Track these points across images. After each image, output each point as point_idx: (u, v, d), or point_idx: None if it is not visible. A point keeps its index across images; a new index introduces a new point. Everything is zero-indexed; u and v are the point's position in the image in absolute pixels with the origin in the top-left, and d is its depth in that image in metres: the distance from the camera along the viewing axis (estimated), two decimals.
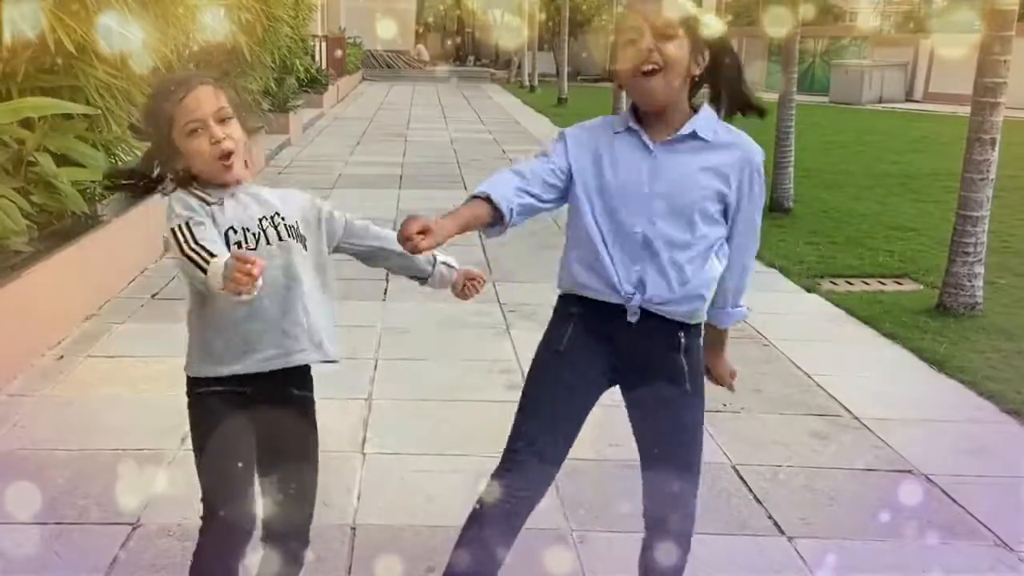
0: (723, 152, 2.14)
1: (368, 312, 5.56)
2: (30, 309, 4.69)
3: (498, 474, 2.21)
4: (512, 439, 2.23)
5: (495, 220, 2.06)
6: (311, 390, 2.32)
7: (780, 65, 9.50)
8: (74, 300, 5.21)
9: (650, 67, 2.05)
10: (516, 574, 2.94)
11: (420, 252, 1.92)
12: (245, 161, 2.16)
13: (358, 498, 3.40)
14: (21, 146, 5.01)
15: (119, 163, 5.96)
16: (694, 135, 2.12)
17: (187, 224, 2.00)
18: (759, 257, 8.02)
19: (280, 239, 2.16)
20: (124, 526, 3.16)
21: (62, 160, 5.24)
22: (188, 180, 2.12)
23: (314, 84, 19.33)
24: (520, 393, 2.29)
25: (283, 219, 2.17)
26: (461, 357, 4.75)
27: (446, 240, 1.95)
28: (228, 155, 2.09)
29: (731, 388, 2.51)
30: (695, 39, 2.09)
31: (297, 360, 2.19)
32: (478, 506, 2.21)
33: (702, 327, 2.27)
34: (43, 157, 5.05)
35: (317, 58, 21.65)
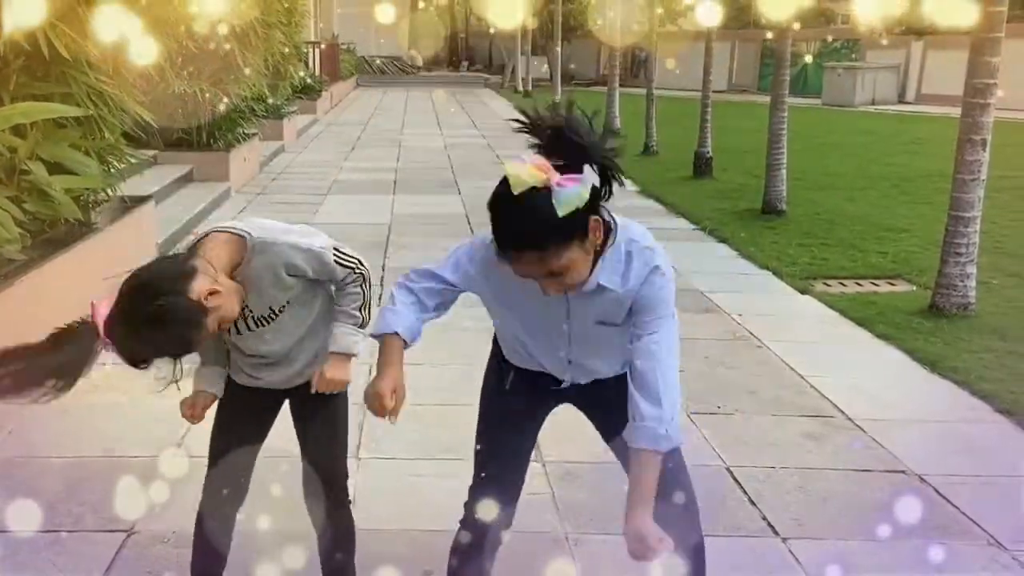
0: (630, 296, 2.07)
1: None
2: (23, 317, 4.68)
3: (465, 524, 2.33)
4: (472, 488, 2.34)
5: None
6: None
7: (772, 68, 9.52)
8: (67, 308, 5.19)
9: (559, 291, 2.01)
10: None
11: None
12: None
13: (354, 503, 3.39)
14: (13, 154, 5.00)
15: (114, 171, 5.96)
16: (599, 287, 2.05)
17: None
18: (753, 259, 8.05)
19: (250, 329, 2.29)
20: (119, 533, 3.16)
21: (55, 168, 5.24)
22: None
23: (308, 90, 19.34)
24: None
25: (251, 312, 2.27)
26: (457, 361, 4.76)
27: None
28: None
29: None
30: (583, 234, 1.92)
31: (296, 384, 2.40)
32: (454, 545, 2.36)
33: None
34: (36, 165, 5.04)
35: (311, 64, 21.65)
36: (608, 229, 2.01)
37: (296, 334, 2.33)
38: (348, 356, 2.31)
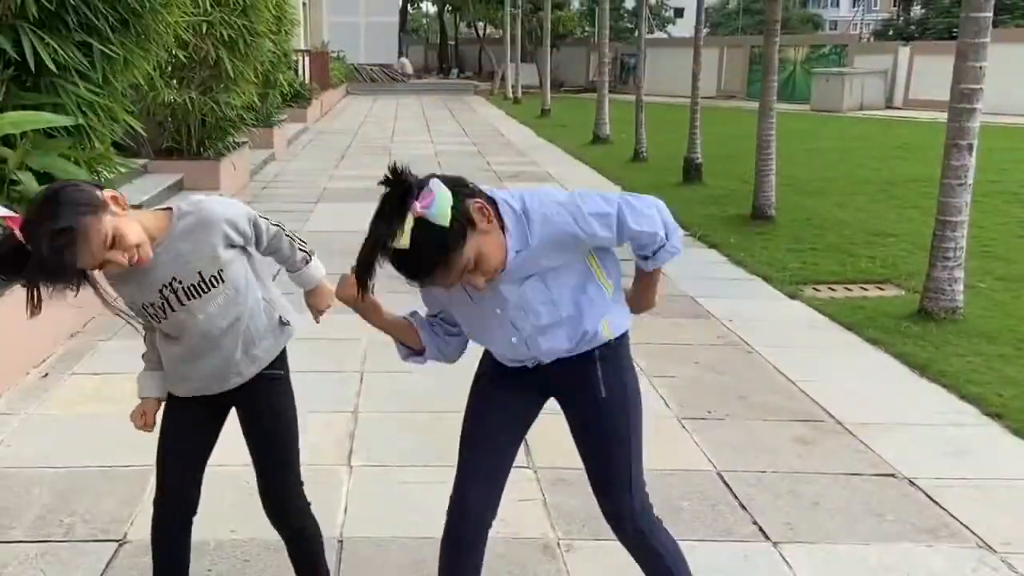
0: (542, 246, 2.12)
1: (354, 325, 5.54)
2: (14, 327, 4.67)
3: (449, 523, 2.36)
4: (455, 483, 2.37)
5: (420, 351, 2.37)
6: (279, 368, 2.45)
7: (761, 74, 9.57)
8: (59, 317, 5.19)
9: (490, 280, 2.09)
10: None
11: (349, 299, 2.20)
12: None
13: (345, 511, 3.41)
14: (3, 164, 5.00)
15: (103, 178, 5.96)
16: (517, 254, 2.11)
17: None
18: (743, 265, 8.06)
19: (182, 303, 2.26)
20: (110, 543, 3.15)
21: (45, 178, 5.23)
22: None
23: (298, 98, 19.34)
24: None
25: (180, 283, 2.24)
26: (447, 368, 4.77)
27: (369, 313, 2.29)
28: (133, 263, 2.14)
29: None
30: (472, 224, 2.01)
31: (234, 384, 2.38)
32: (441, 542, 2.38)
33: (624, 333, 2.32)
34: (25, 175, 5.04)
35: (300, 72, 21.65)
36: (493, 203, 2.09)
37: (226, 315, 2.29)
38: (320, 282, 2.49)
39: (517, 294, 2.16)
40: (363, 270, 2.01)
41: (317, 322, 2.58)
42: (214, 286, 2.26)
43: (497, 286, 2.15)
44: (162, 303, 2.25)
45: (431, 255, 1.97)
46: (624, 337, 2.31)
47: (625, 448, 2.31)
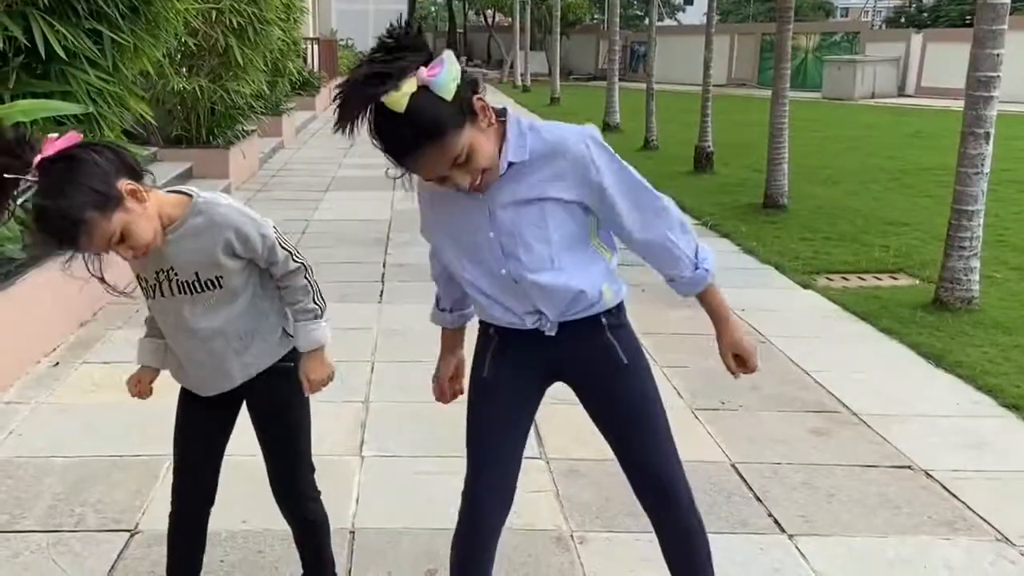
0: (544, 166, 2.03)
1: (364, 314, 5.55)
2: (25, 316, 4.67)
3: (461, 517, 2.30)
4: (467, 477, 2.30)
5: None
6: (289, 360, 2.37)
7: (772, 62, 9.49)
8: (69, 306, 5.18)
9: (476, 181, 1.99)
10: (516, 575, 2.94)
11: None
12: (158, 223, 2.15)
13: (357, 501, 3.39)
14: None
15: None
16: (510, 165, 2.03)
17: None
18: (755, 254, 8.02)
19: (172, 294, 2.22)
20: (122, 533, 3.14)
21: None
22: None
23: (307, 87, 19.30)
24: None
25: (176, 275, 2.21)
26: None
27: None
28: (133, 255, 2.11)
29: (731, 371, 2.26)
30: (473, 115, 1.92)
31: (224, 388, 2.34)
32: (453, 536, 2.33)
33: (621, 302, 2.23)
34: None
35: (309, 60, 21.60)
36: (502, 112, 2.03)
37: (214, 319, 2.23)
38: (320, 349, 2.31)
39: (511, 218, 2.05)
40: (343, 117, 1.87)
41: (306, 395, 2.37)
42: (208, 289, 2.21)
43: (493, 208, 2.05)
44: (155, 284, 2.22)
45: (427, 128, 1.84)
46: (623, 304, 2.24)
47: (659, 407, 2.24)
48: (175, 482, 2.48)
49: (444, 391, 2.49)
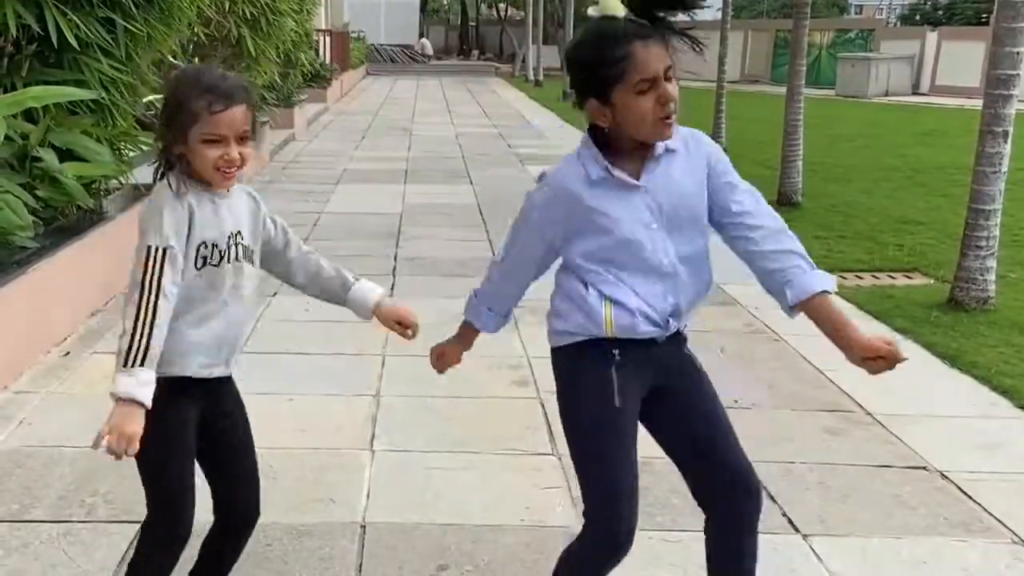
0: (686, 155, 2.15)
1: None
2: (36, 305, 4.67)
3: (606, 539, 2.19)
4: (603, 514, 2.18)
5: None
6: None
7: (787, 58, 9.43)
8: (80, 296, 5.18)
9: (671, 116, 2.03)
10: (532, 573, 2.92)
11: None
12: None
13: (367, 496, 3.37)
14: (25, 140, 4.98)
15: (126, 157, 5.94)
16: (667, 149, 2.11)
17: (163, 255, 2.05)
18: None
19: (236, 259, 2.22)
20: (133, 524, 3.13)
21: (67, 155, 5.21)
22: (179, 163, 2.14)
23: (318, 79, 19.29)
24: (572, 442, 2.24)
25: (242, 238, 2.23)
26: (469, 353, 4.73)
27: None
28: (232, 173, 2.14)
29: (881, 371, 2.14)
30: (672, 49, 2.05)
31: (216, 373, 2.28)
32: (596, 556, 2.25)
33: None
34: (47, 152, 5.02)
35: (321, 52, 21.60)
36: None
37: (255, 291, 2.30)
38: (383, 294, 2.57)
39: (669, 199, 2.12)
40: None
41: (410, 337, 2.62)
42: (252, 261, 2.27)
43: (649, 187, 2.10)
44: (226, 249, 2.18)
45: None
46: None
47: (723, 409, 2.33)
48: (167, 517, 2.48)
49: (443, 366, 2.65)
